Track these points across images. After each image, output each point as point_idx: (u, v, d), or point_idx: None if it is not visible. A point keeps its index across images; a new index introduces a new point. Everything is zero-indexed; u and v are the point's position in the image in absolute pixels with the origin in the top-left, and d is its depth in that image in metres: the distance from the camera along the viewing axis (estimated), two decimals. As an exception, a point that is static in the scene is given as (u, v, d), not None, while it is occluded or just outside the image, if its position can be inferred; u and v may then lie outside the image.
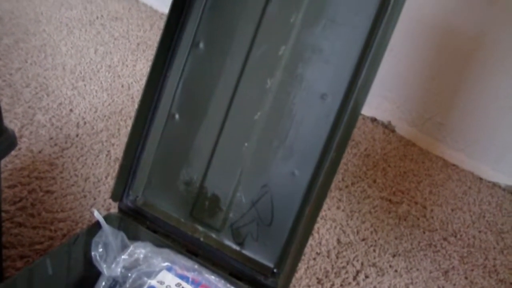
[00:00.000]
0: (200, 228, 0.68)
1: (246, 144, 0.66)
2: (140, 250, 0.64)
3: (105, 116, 1.18)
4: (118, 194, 0.70)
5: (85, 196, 0.95)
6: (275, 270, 0.65)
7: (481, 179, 1.39)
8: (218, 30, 0.66)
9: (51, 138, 1.06)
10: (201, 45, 0.66)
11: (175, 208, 0.70)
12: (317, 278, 0.92)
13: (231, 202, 0.67)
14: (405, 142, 1.46)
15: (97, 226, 0.65)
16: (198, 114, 0.68)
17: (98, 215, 0.63)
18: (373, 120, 1.51)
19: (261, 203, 0.65)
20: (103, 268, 0.63)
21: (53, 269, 0.61)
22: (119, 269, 0.63)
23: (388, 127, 1.50)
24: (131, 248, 0.64)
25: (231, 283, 0.62)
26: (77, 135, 1.09)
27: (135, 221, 0.69)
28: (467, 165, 1.41)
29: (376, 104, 1.50)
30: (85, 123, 1.14)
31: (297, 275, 0.90)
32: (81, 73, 1.32)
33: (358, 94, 0.59)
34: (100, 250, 0.64)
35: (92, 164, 1.03)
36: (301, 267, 0.93)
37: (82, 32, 1.50)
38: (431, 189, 1.28)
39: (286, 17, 0.62)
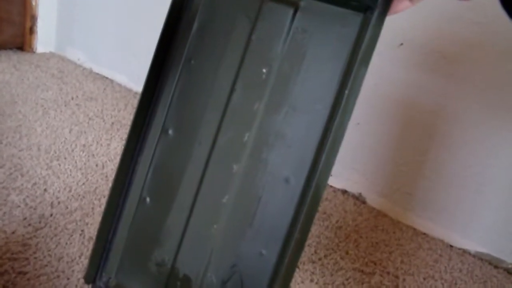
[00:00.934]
0: (173, 308, 0.69)
1: (215, 226, 0.68)
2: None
3: (79, 195, 1.19)
4: (91, 276, 0.71)
5: (58, 276, 0.94)
6: None
7: (451, 246, 1.41)
8: (186, 118, 0.70)
9: (25, 218, 1.07)
10: (170, 131, 0.70)
11: (147, 288, 0.71)
12: None
13: (202, 282, 0.69)
14: (376, 213, 1.49)
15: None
16: (169, 197, 0.71)
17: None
18: (344, 192, 1.55)
19: (231, 282, 0.67)
20: None
21: None
22: None
23: (359, 199, 1.53)
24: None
25: None
26: (51, 215, 1.10)
27: (108, 302, 0.70)
28: (437, 233, 1.44)
29: (347, 176, 1.54)
30: (59, 202, 1.15)
31: None
32: (55, 152, 1.34)
33: (320, 177, 0.62)
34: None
35: (66, 243, 1.03)
36: None
37: (57, 113, 1.54)
38: (403, 258, 1.30)
39: (250, 105, 0.67)
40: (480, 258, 1.39)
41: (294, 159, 0.65)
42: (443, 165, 1.42)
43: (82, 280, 0.94)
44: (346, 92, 0.61)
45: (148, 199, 0.71)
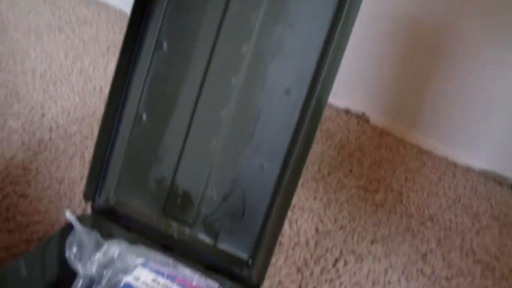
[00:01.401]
0: (173, 224, 0.69)
1: (214, 140, 0.66)
2: (114, 248, 0.64)
3: (78, 119, 1.17)
4: (89, 194, 0.70)
5: (60, 199, 0.94)
6: (249, 262, 0.65)
7: (455, 164, 1.41)
8: (180, 30, 0.67)
9: (24, 143, 1.05)
10: (165, 45, 0.67)
11: (147, 206, 0.70)
12: (297, 267, 0.92)
13: (202, 197, 0.67)
14: (379, 132, 1.47)
15: (70, 227, 0.65)
16: (165, 113, 0.68)
17: (70, 216, 0.63)
18: (347, 111, 1.52)
19: (232, 197, 0.66)
20: (79, 267, 0.63)
21: (27, 271, 0.61)
22: (94, 268, 0.63)
23: (362, 118, 1.51)
24: (105, 246, 0.64)
25: (207, 275, 0.63)
26: (50, 139, 1.08)
27: (109, 220, 0.69)
28: (441, 151, 1.43)
29: (350, 96, 1.51)
30: (57, 127, 1.13)
31: (276, 265, 0.91)
32: (51, 77, 1.30)
33: (322, 88, 0.60)
34: (75, 250, 0.63)
35: (67, 166, 1.02)
36: (280, 257, 0.93)
37: (51, 38, 1.49)
38: (407, 176, 1.30)
39: (247, 15, 0.63)
40: (485, 175, 1.39)
41: (295, 71, 0.62)
42: (448, 82, 1.38)
43: (84, 201, 0.94)
44: (347, 5, 0.58)
45: (144, 116, 0.69)
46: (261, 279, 0.63)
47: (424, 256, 1.03)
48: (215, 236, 0.67)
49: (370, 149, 1.37)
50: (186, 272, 0.62)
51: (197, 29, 0.66)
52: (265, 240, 0.63)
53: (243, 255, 0.66)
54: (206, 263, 0.66)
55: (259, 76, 0.64)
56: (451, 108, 1.40)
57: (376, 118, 1.50)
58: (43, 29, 1.53)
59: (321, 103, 0.60)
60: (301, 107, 0.62)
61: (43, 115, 1.16)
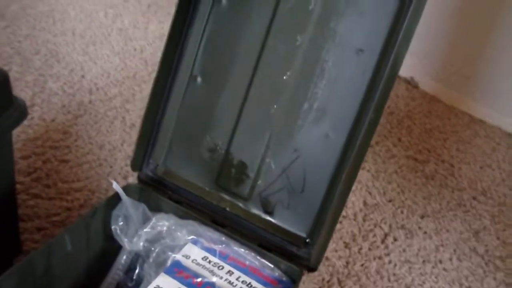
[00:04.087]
0: (226, 197, 0.64)
1: (275, 106, 0.61)
2: (163, 223, 0.60)
3: (118, 81, 1.14)
4: (137, 163, 0.66)
5: (101, 165, 0.92)
6: (308, 240, 0.61)
7: (509, 134, 1.33)
8: None
9: (64, 106, 1.02)
10: (224, 0, 0.61)
11: (199, 177, 0.66)
12: (344, 242, 0.89)
13: (259, 168, 0.63)
14: (429, 98, 1.40)
15: (116, 198, 0.61)
16: (222, 75, 0.63)
17: (117, 187, 0.60)
18: (395, 76, 1.45)
19: (292, 168, 0.61)
20: (124, 242, 0.60)
21: (72, 245, 0.58)
22: (141, 243, 0.60)
23: (411, 83, 1.44)
24: (154, 220, 0.61)
25: (261, 255, 0.59)
26: (90, 102, 1.06)
27: (156, 191, 0.65)
28: (494, 120, 1.36)
29: (398, 59, 1.44)
30: (97, 89, 1.10)
31: (324, 241, 0.87)
32: (91, 37, 1.27)
33: (398, 48, 0.53)
34: (121, 223, 0.60)
35: (107, 131, 0.99)
36: (329, 232, 0.90)
37: (90, -5, 1.45)
38: (458, 146, 1.23)
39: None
40: (540, 146, 1.32)
41: (368, 28, 0.56)
42: (508, 45, 1.29)
43: (126, 168, 0.91)
44: None
45: (199, 78, 0.64)
46: (319, 260, 0.58)
47: (477, 234, 0.98)
48: (271, 211, 0.62)
49: (419, 117, 1.30)
50: (239, 251, 0.58)
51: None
52: (326, 217, 0.57)
53: (302, 233, 0.61)
54: (261, 241, 0.61)
55: (328, 34, 0.57)
56: (507, 74, 1.32)
57: (426, 83, 1.42)
58: (81, -14, 1.48)
59: (397, 64, 0.53)
60: (373, 69, 0.56)
61: (82, 76, 1.13)
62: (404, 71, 1.44)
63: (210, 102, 0.64)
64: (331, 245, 0.88)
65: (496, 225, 1.01)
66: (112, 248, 0.63)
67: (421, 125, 1.27)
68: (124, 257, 0.64)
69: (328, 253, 0.86)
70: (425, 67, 1.43)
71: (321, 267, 0.83)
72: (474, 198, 1.08)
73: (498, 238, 0.98)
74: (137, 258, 0.63)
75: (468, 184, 1.11)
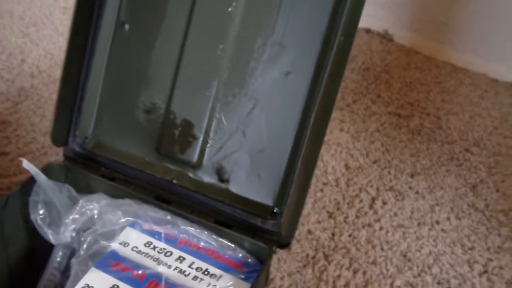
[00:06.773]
0: (171, 166, 0.52)
1: (221, 46, 0.49)
2: (92, 205, 0.48)
3: (62, 61, 1.02)
4: (60, 136, 0.54)
5: (46, 153, 0.83)
6: (275, 210, 0.49)
7: (496, 80, 1.24)
8: None
9: (1, 93, 0.94)
10: None
11: (136, 146, 0.54)
12: (328, 212, 0.78)
13: (209, 126, 0.51)
14: (406, 51, 1.30)
15: (33, 181, 0.49)
16: (155, 18, 0.52)
17: (28, 165, 0.47)
18: (368, 30, 1.34)
19: (249, 122, 0.49)
20: (48, 234, 0.48)
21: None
22: (68, 234, 0.48)
23: (385, 36, 1.33)
24: (80, 203, 0.48)
25: (219, 233, 0.46)
26: (32, 86, 0.97)
27: (86, 168, 0.53)
28: (479, 67, 1.26)
29: (369, 12, 1.32)
30: (40, 72, 1.02)
31: (303, 212, 0.76)
32: (31, 18, 1.19)
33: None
34: (41, 211, 0.48)
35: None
36: (307, 201, 0.79)
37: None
38: (443, 97, 1.13)
39: None
40: (531, 90, 1.22)
41: None
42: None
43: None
44: None
45: (127, 26, 0.52)
46: (292, 233, 0.46)
47: (474, 188, 0.89)
48: (227, 178, 0.51)
49: (398, 70, 1.19)
50: (190, 231, 0.46)
51: None
52: (295, 180, 0.46)
53: (267, 201, 0.49)
54: (217, 216, 0.49)
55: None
56: (487, 17, 1.22)
57: (402, 35, 1.32)
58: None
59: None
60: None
61: (22, 60, 1.05)
62: (377, 25, 1.33)
63: (143, 53, 0.53)
64: (313, 217, 0.77)
65: (493, 177, 0.92)
66: (43, 244, 0.51)
67: (400, 78, 1.16)
68: (60, 253, 0.52)
69: (310, 225, 0.76)
70: (398, 18, 1.32)
71: (304, 242, 0.73)
72: (467, 150, 0.97)
73: (497, 191, 0.89)
74: (74, 253, 0.51)
75: (458, 136, 1.01)
